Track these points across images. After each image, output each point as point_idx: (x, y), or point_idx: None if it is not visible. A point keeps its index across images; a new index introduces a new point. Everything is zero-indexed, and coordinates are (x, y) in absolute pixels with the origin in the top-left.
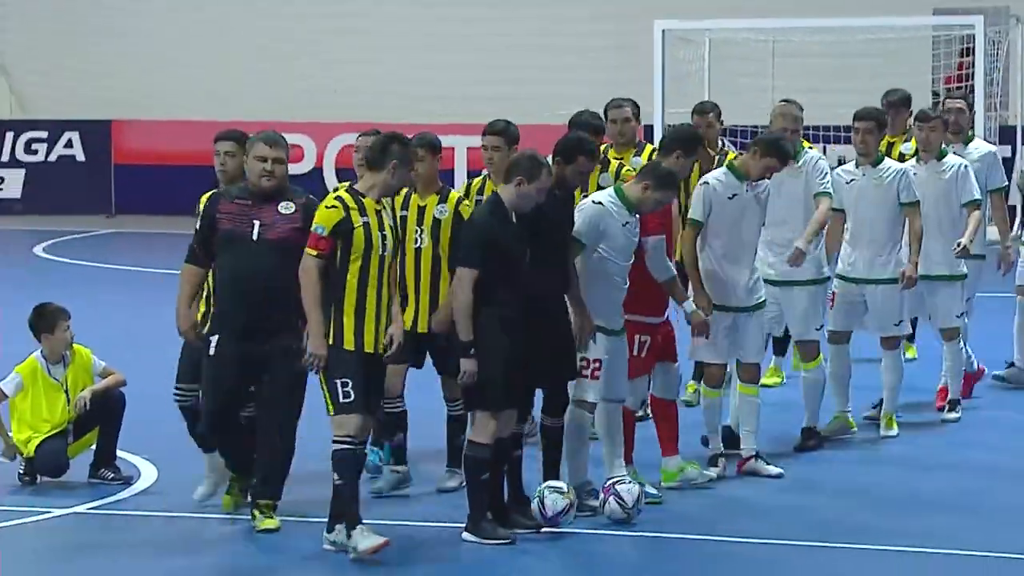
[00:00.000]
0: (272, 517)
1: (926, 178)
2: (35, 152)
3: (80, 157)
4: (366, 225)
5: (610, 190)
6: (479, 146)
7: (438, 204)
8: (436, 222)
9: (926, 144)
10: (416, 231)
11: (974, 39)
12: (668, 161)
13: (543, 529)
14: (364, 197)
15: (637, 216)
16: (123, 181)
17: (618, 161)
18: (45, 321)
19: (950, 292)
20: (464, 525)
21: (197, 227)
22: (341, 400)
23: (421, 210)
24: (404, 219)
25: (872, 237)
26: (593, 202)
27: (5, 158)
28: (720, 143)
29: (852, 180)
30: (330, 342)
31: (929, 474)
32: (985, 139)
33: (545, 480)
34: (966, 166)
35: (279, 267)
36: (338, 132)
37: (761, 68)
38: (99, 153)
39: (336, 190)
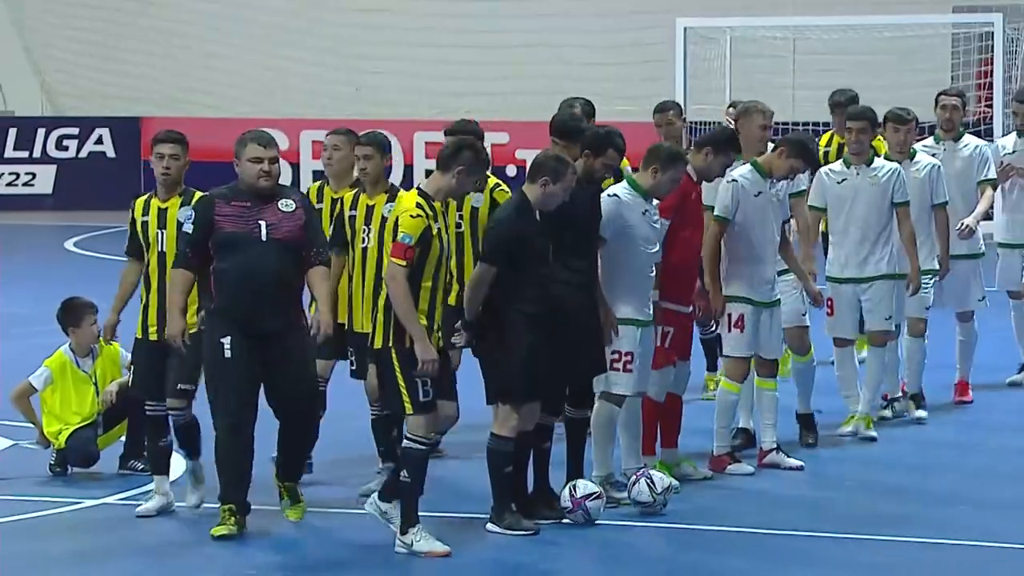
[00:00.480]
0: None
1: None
2: (66, 148)
3: (110, 153)
4: (439, 231)
5: (623, 182)
6: (496, 144)
7: (386, 203)
8: (384, 221)
9: (902, 146)
10: (363, 230)
11: (993, 36)
12: (697, 158)
13: (564, 520)
14: (434, 201)
15: (655, 203)
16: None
17: None
18: (72, 315)
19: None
20: (488, 516)
21: (190, 231)
22: (421, 399)
23: (369, 209)
24: (353, 218)
25: (864, 236)
26: (609, 195)
27: (37, 154)
28: (688, 140)
29: (844, 180)
30: (406, 344)
31: (937, 468)
32: (1003, 135)
33: (568, 471)
34: (938, 167)
35: (289, 265)
36: (366, 127)
37: (782, 65)
38: (128, 149)
39: (411, 193)
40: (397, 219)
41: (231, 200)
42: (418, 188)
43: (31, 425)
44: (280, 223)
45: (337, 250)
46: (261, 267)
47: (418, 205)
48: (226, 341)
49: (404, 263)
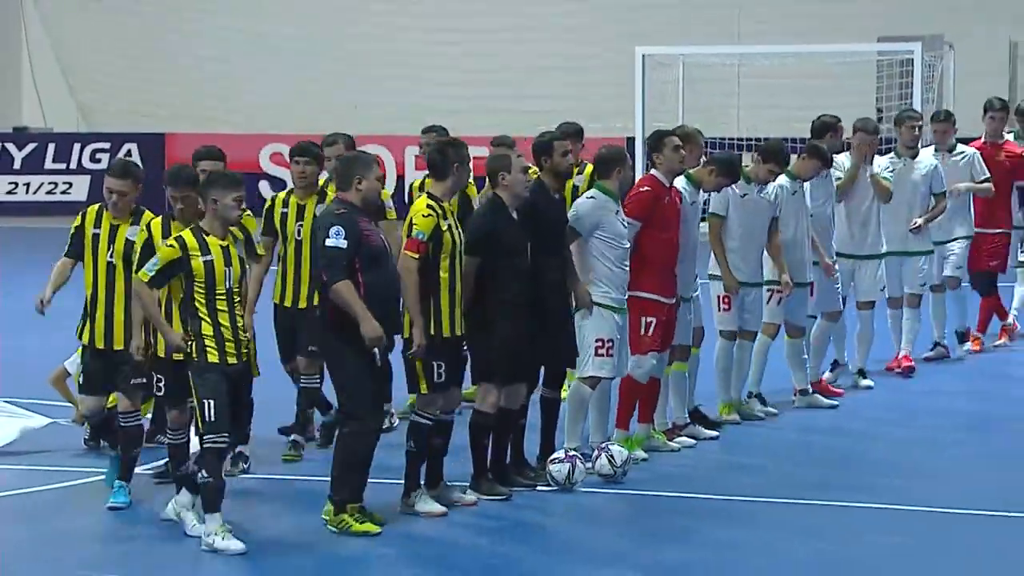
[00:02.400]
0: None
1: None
2: (99, 161)
3: (139, 165)
4: (449, 228)
5: (594, 188)
6: (478, 156)
7: (317, 204)
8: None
9: (871, 155)
10: (296, 226)
11: (913, 63)
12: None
13: (538, 487)
14: (443, 203)
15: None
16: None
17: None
18: None
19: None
20: (468, 484)
21: (344, 246)
22: (435, 380)
23: (301, 208)
24: (285, 215)
25: (908, 216)
26: (586, 198)
27: (73, 166)
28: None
29: (893, 169)
30: (430, 331)
31: (877, 439)
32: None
33: (541, 444)
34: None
35: None
36: (366, 143)
37: (728, 88)
38: (154, 162)
39: (421, 198)
40: (411, 219)
41: (359, 217)
42: (428, 193)
43: (69, 404)
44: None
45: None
46: (395, 279)
47: (429, 206)
48: (377, 350)
49: (416, 255)
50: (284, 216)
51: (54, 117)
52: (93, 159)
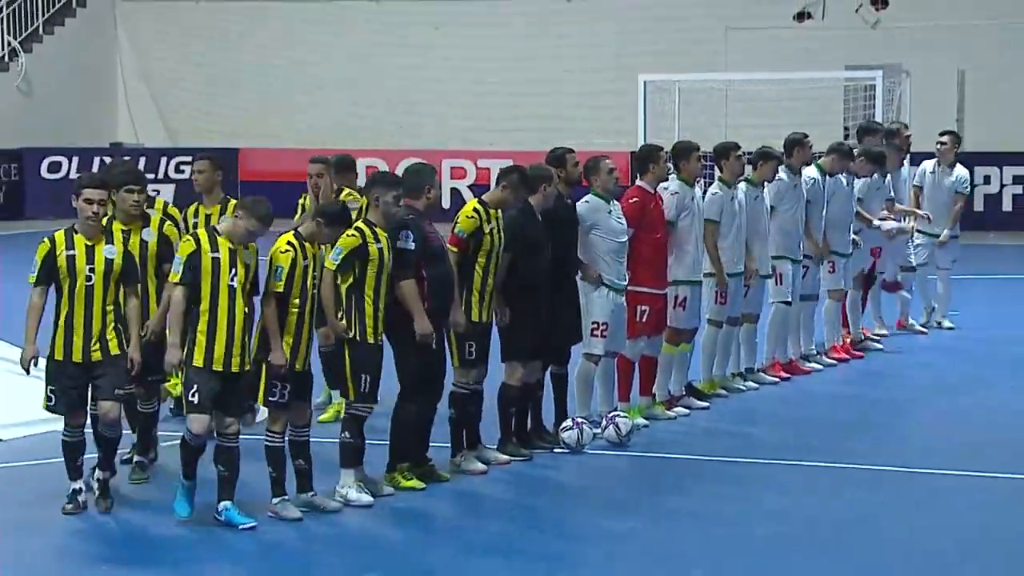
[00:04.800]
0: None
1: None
2: (182, 172)
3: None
4: (492, 231)
5: (590, 193)
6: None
7: (221, 213)
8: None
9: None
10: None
11: (875, 88)
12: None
13: (555, 449)
14: (491, 209)
15: (616, 204)
16: (246, 193)
17: None
18: None
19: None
20: (496, 446)
21: (412, 248)
22: (466, 357)
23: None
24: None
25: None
26: (584, 203)
27: (160, 176)
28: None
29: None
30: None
31: (848, 407)
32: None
33: (556, 412)
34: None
35: None
36: (405, 156)
37: (717, 109)
38: (229, 173)
39: (471, 201)
40: (457, 219)
41: (423, 221)
42: (479, 199)
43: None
44: None
45: None
46: (451, 273)
47: (475, 210)
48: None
49: (456, 250)
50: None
51: (144, 134)
52: (177, 170)
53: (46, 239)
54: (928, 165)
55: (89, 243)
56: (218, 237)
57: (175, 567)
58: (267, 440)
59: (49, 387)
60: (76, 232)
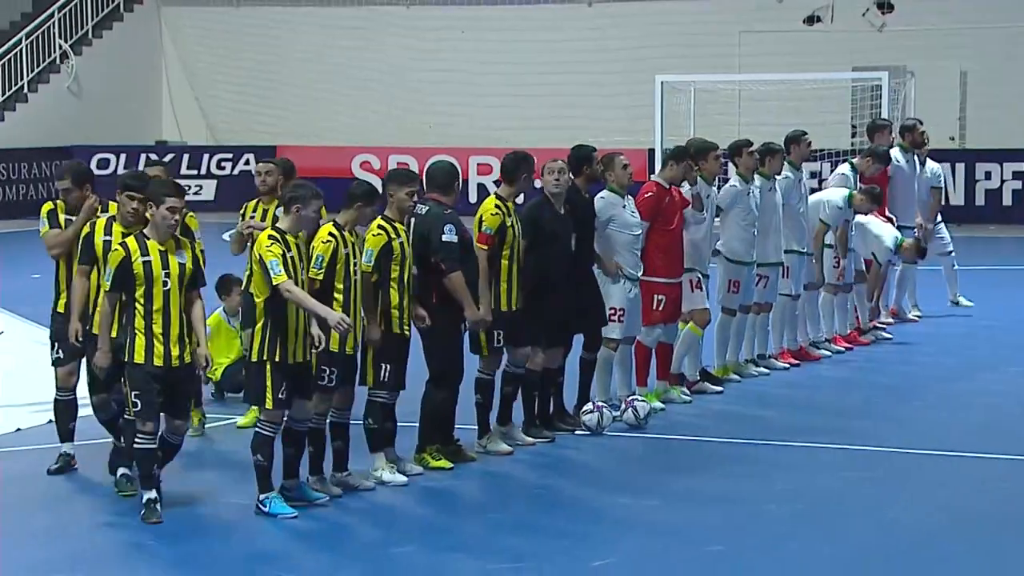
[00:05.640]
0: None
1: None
2: (223, 168)
3: (255, 171)
4: (512, 224)
5: (606, 189)
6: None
7: (276, 207)
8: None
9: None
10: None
11: (882, 89)
12: (675, 169)
13: (576, 432)
14: (508, 202)
15: (630, 198)
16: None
17: None
18: (224, 287)
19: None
20: (520, 427)
21: (455, 240)
22: (495, 345)
23: (265, 212)
24: (252, 218)
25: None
26: (600, 198)
27: (203, 172)
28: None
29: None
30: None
31: (856, 391)
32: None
33: (579, 396)
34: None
35: None
36: (434, 153)
37: (730, 108)
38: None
39: (490, 197)
40: (481, 216)
41: (458, 218)
42: (495, 194)
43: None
44: None
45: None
46: (476, 265)
47: (496, 206)
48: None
49: (486, 247)
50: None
51: (188, 132)
52: (219, 167)
53: (119, 247)
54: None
55: (162, 248)
56: (147, 241)
57: (224, 537)
58: (312, 422)
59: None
60: (148, 238)
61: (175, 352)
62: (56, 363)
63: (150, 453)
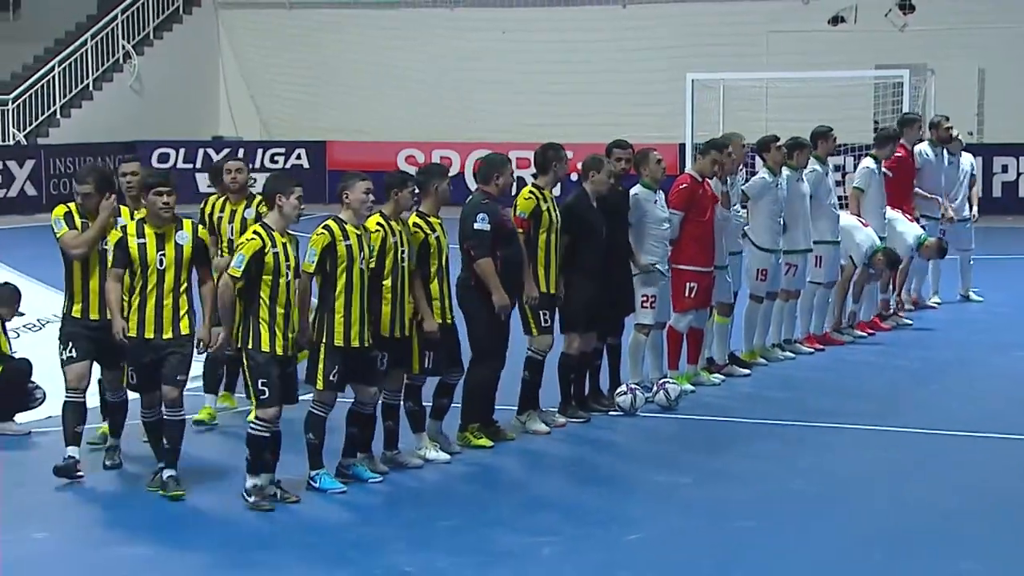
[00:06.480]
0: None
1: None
2: (276, 162)
3: (305, 165)
4: (548, 209)
5: (638, 184)
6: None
7: (246, 207)
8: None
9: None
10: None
11: (903, 86)
12: (702, 162)
13: (609, 412)
14: (544, 190)
15: (661, 194)
16: (334, 180)
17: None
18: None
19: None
20: (557, 409)
21: (487, 228)
22: (543, 325)
23: (233, 213)
24: (220, 219)
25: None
26: (633, 193)
27: (257, 165)
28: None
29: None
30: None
31: (878, 375)
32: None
33: (611, 378)
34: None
35: None
36: (475, 148)
37: (758, 105)
38: (318, 163)
39: (527, 187)
40: (516, 203)
41: (497, 205)
42: (532, 183)
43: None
44: None
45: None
46: (522, 252)
47: (531, 191)
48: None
49: (521, 229)
50: (219, 220)
51: (243, 128)
52: (272, 161)
53: (255, 235)
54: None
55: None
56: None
57: (282, 510)
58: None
59: (260, 380)
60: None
61: (289, 340)
62: (67, 362)
63: (266, 440)
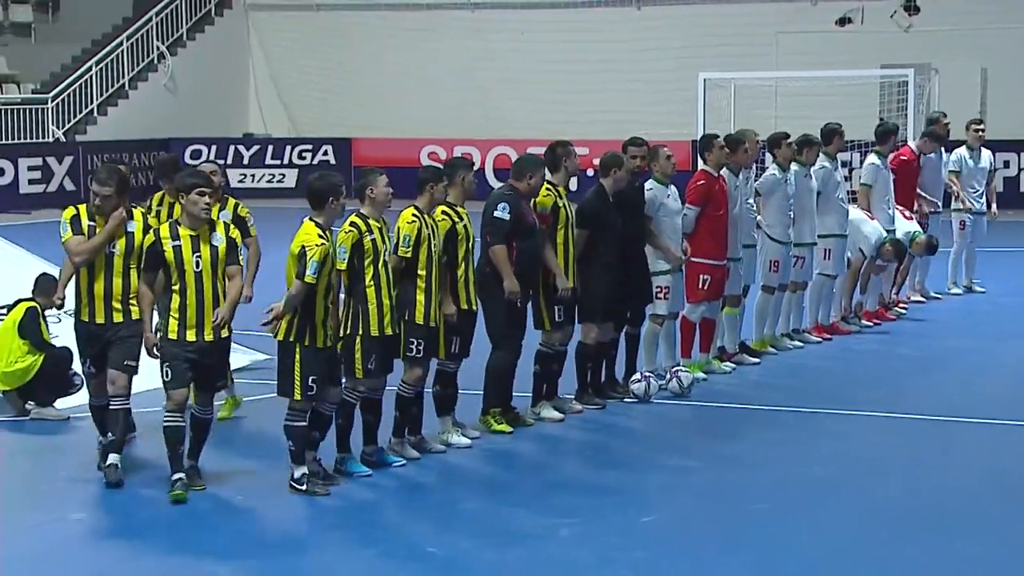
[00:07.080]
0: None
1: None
2: (304, 158)
3: (332, 161)
4: (564, 205)
5: (651, 179)
6: (580, 154)
7: (221, 210)
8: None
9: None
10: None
11: (907, 85)
12: (716, 154)
13: (624, 400)
14: (559, 187)
15: (673, 188)
16: (358, 176)
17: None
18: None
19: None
20: (573, 396)
21: (507, 218)
22: (555, 320)
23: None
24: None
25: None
26: (648, 189)
27: (286, 162)
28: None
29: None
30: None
31: (885, 363)
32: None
33: (627, 366)
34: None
35: None
36: (495, 145)
37: (767, 103)
38: (344, 159)
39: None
40: (535, 202)
41: (521, 201)
42: (548, 180)
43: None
44: None
45: None
46: (540, 247)
47: (547, 189)
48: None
49: (544, 225)
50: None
51: (272, 125)
52: (300, 157)
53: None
54: (964, 152)
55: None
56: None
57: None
58: (400, 389)
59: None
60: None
61: (331, 334)
62: (88, 377)
63: (304, 430)
